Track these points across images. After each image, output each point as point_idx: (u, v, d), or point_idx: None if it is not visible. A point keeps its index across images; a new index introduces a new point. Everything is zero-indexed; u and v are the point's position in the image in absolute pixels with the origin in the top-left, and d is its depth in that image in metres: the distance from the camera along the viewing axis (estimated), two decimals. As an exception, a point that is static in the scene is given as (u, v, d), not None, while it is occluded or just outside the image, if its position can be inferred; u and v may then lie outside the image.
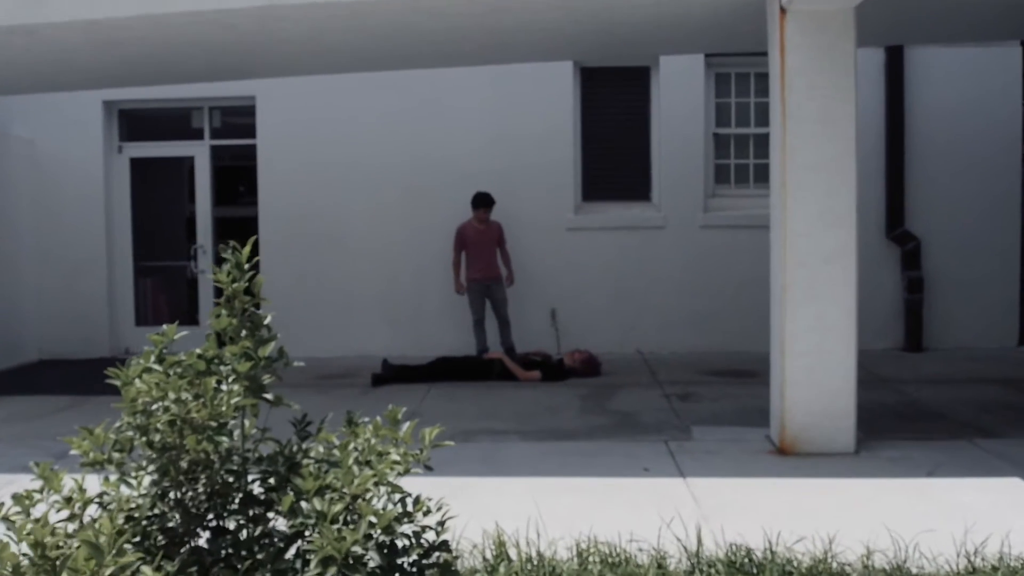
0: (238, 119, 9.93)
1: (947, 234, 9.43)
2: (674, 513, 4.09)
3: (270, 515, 2.52)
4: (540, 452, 5.54)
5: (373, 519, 2.30)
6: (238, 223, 10.48)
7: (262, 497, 2.54)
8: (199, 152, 9.88)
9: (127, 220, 9.96)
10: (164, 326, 2.64)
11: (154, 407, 2.43)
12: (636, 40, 7.24)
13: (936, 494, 4.53)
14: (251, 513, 2.52)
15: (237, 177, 11.20)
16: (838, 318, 5.47)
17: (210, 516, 2.48)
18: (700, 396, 7.18)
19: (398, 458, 2.43)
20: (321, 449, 2.64)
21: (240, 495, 2.51)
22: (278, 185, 9.60)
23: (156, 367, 2.51)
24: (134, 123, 10.07)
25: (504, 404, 6.99)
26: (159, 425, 2.40)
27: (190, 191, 10.13)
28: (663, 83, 9.48)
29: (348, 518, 2.32)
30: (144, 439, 2.42)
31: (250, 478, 2.55)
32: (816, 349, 5.48)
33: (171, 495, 2.45)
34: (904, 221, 9.46)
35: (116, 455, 2.45)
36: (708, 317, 9.45)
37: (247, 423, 2.59)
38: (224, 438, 2.41)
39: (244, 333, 2.65)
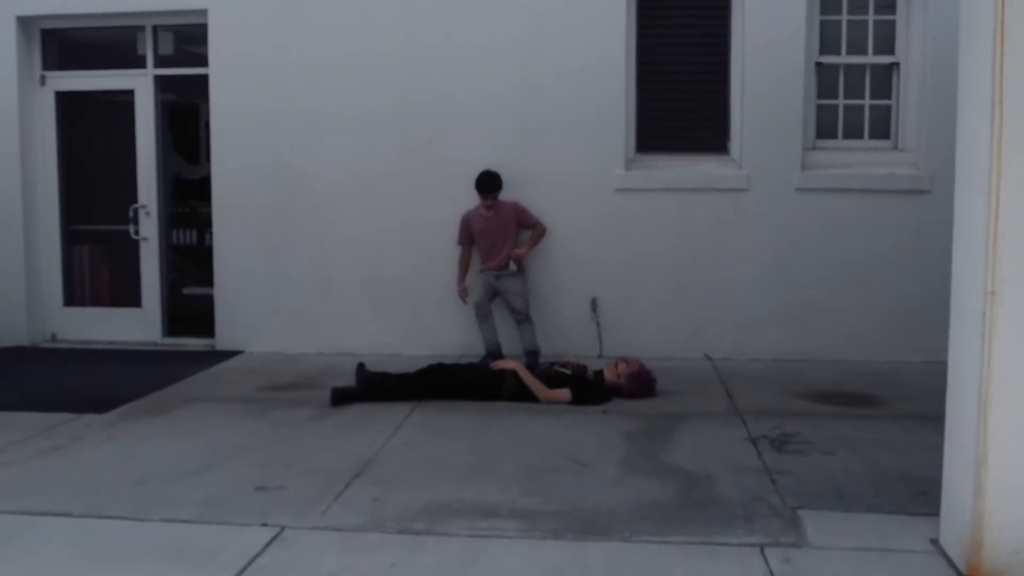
0: (191, 45, 7.69)
1: None
2: None
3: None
4: (548, 570, 3.22)
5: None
6: (199, 180, 8.30)
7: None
8: (140, 85, 7.67)
9: (52, 173, 7.83)
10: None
11: None
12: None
13: None
14: None
15: (194, 119, 8.99)
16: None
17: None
18: (804, 441, 4.79)
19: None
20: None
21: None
22: (235, 130, 7.36)
23: None
24: (61, 47, 7.90)
25: (509, 447, 4.69)
26: None
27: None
28: (749, -6, 7.00)
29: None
30: None
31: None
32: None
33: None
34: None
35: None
36: (804, 313, 7.00)
37: None
38: None
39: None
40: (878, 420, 5.24)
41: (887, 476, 4.21)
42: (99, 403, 5.56)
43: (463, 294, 6.96)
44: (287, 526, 3.56)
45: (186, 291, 10.17)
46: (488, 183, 6.74)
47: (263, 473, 4.24)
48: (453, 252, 7.15)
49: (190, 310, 8.12)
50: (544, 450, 4.63)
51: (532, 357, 6.56)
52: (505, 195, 6.87)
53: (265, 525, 3.57)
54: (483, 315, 6.80)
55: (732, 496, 3.93)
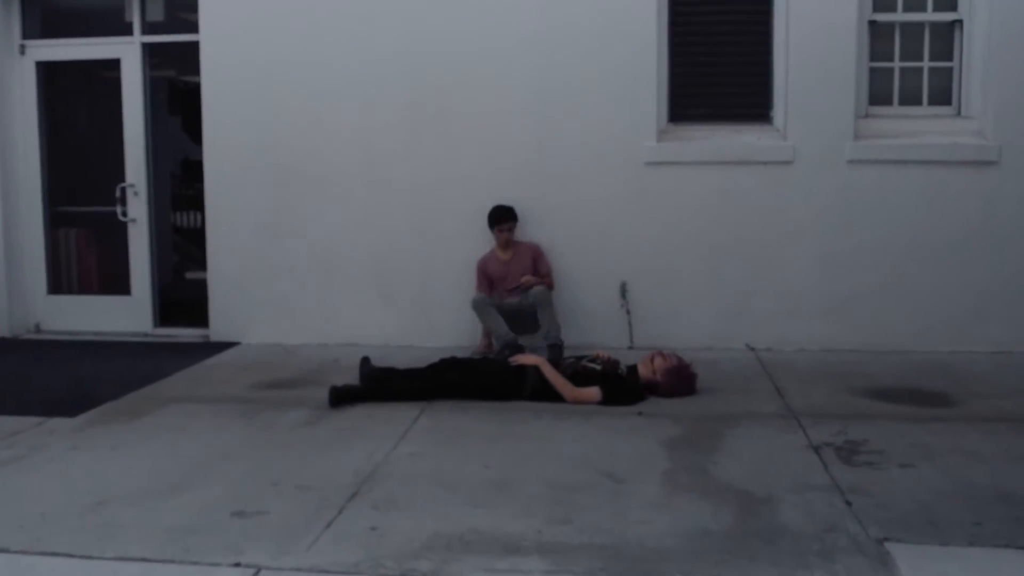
0: (182, 11, 7.05)
1: None
2: None
3: None
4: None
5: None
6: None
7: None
8: (127, 54, 7.03)
9: (34, 150, 7.22)
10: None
11: None
12: None
13: None
14: None
15: (187, 91, 8.35)
16: None
17: None
18: (874, 450, 4.12)
19: None
20: None
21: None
22: (228, 101, 6.71)
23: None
24: (42, 14, 7.27)
25: (533, 459, 4.04)
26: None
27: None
28: (796, -57, 6.26)
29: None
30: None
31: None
32: None
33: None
34: None
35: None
36: (857, 298, 6.30)
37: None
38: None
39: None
40: (954, 423, 4.55)
41: (982, 496, 3.53)
42: (71, 405, 4.96)
43: (483, 349, 6.28)
44: (263, 567, 2.93)
45: (190, 275, 9.63)
46: (502, 213, 6.23)
47: (244, 493, 3.62)
48: (467, 233, 6.50)
49: (193, 296, 7.48)
50: (573, 462, 3.98)
51: (555, 351, 5.90)
52: (524, 162, 6.24)
53: (237, 565, 2.94)
54: (482, 307, 6.13)
55: (802, 524, 3.27)
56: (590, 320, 6.45)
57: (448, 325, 6.49)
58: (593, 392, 4.94)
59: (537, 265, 6.28)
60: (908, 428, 4.45)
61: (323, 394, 5.01)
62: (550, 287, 6.21)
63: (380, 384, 5.15)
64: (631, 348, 6.43)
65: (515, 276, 6.20)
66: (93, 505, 3.49)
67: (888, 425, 4.50)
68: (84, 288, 7.44)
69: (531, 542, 3.12)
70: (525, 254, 6.28)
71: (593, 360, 5.18)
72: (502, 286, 6.28)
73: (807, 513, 3.37)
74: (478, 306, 6.11)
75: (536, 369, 5.05)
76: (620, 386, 5.00)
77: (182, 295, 7.81)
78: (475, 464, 3.97)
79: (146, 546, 3.09)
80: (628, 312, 6.48)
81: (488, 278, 6.34)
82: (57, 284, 7.38)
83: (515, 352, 5.61)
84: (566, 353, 5.82)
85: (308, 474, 3.84)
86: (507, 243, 6.28)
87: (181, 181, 9.83)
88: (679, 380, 5.08)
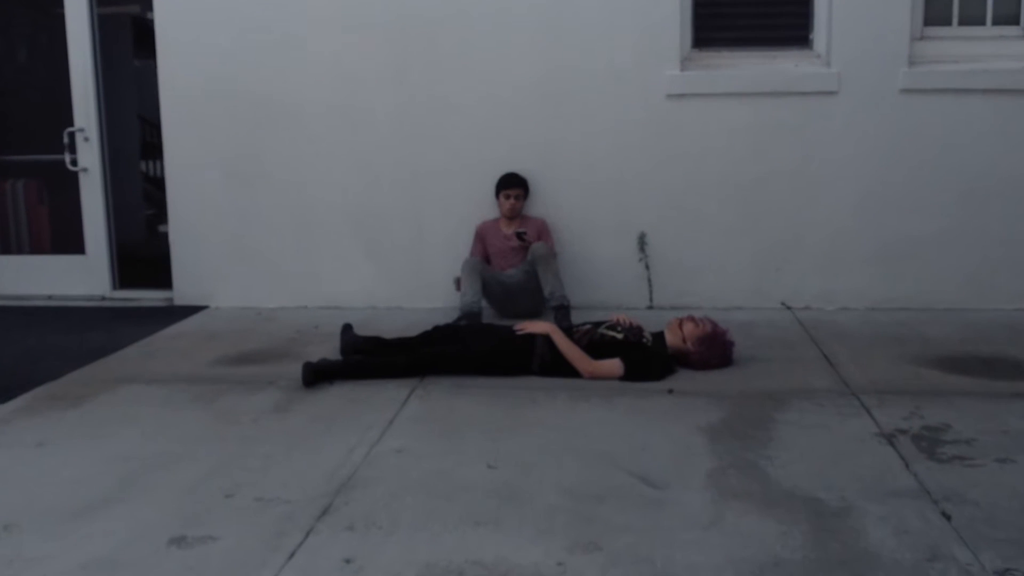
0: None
1: None
2: None
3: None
4: None
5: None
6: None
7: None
8: (70, -24, 6.15)
9: (-31, 89, 6.37)
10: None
11: None
12: None
13: None
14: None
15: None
16: None
17: None
18: (960, 439, 3.39)
19: None
20: None
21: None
22: (185, 25, 5.84)
23: None
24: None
25: (547, 454, 3.30)
26: None
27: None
28: None
29: None
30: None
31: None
32: None
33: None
34: None
35: None
36: (909, 249, 5.54)
37: None
38: None
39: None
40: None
41: (1113, 504, 2.82)
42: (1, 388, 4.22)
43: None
44: (197, 630, 2.22)
45: (164, 229, 8.87)
46: (509, 176, 5.50)
47: (190, 508, 2.89)
48: (464, 177, 5.71)
49: (167, 253, 6.69)
50: (596, 459, 3.25)
51: (561, 314, 5.12)
52: (527, 94, 5.44)
53: (162, 627, 2.23)
54: (470, 269, 5.30)
55: (894, 549, 2.54)
56: (603, 277, 5.69)
57: (443, 284, 5.71)
58: (614, 365, 4.20)
59: (541, 237, 5.49)
60: (992, 408, 3.72)
61: (297, 370, 4.26)
62: (551, 255, 5.41)
63: (363, 358, 4.41)
64: (650, 308, 5.69)
65: (516, 254, 5.44)
66: (-4, 529, 2.77)
67: (967, 404, 3.77)
68: (35, 247, 6.65)
69: (551, 580, 2.40)
70: (531, 231, 5.48)
71: (613, 327, 4.43)
72: (500, 260, 5.51)
73: (897, 532, 2.64)
74: (467, 267, 5.31)
75: (547, 338, 4.30)
76: (646, 358, 4.25)
77: (156, 252, 7.02)
78: (477, 463, 3.24)
79: (48, 595, 2.37)
80: (647, 267, 5.71)
81: (483, 248, 5.56)
82: (4, 243, 6.58)
83: (474, 319, 4.89)
84: (575, 318, 5.06)
85: (271, 480, 3.12)
86: (512, 212, 5.48)
87: (154, 127, 9.01)
88: (714, 349, 4.33)
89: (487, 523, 2.75)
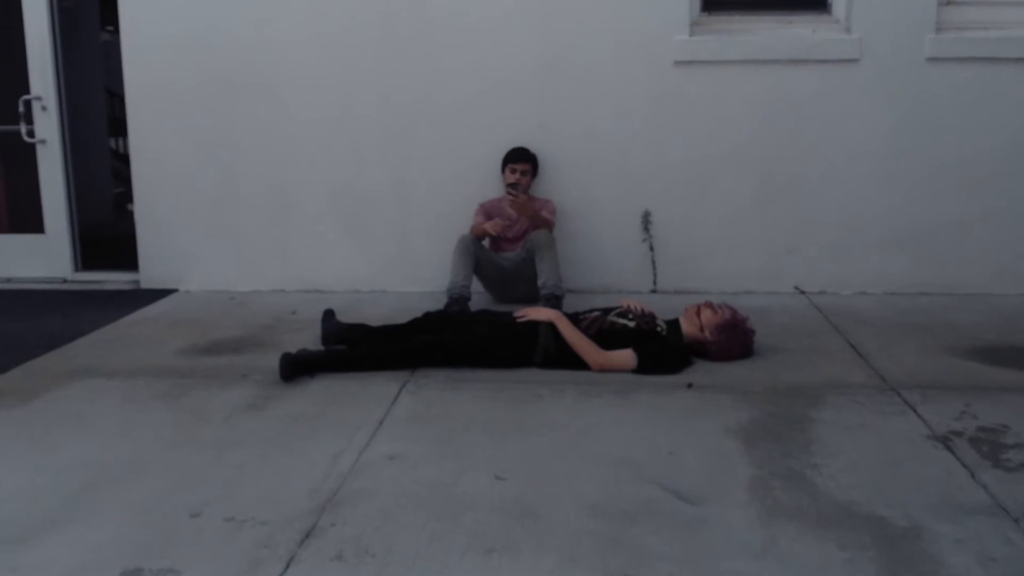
0: None
1: None
2: None
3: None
4: None
5: None
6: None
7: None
8: (21, -72, 5.61)
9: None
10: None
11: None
12: None
13: None
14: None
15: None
16: None
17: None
18: (1021, 439, 3.03)
19: None
20: None
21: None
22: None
23: None
24: None
25: (560, 461, 2.90)
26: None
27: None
28: None
29: None
30: None
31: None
32: None
33: None
34: None
35: None
36: (932, 229, 5.17)
37: None
38: None
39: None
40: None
41: None
42: (-62, 383, 3.76)
43: (500, 230, 4.95)
44: None
45: (131, 207, 8.38)
46: (515, 150, 5.06)
47: (147, 532, 2.46)
48: (456, 149, 5.27)
49: (133, 230, 6.20)
50: (618, 468, 2.85)
51: (551, 304, 4.61)
52: (524, 63, 5.01)
53: None
54: (464, 248, 4.84)
55: (982, 581, 2.17)
56: (604, 258, 5.29)
57: (431, 266, 5.27)
58: (626, 357, 3.79)
59: (543, 210, 5.05)
60: (1046, 405, 3.36)
61: (274, 361, 3.83)
62: (548, 224, 4.99)
63: (347, 348, 3.98)
64: (654, 292, 5.30)
65: (519, 237, 5.03)
66: (-86, 561, 2.32)
67: (1019, 402, 3.41)
68: (-8, 224, 6.15)
69: (583, 630, 2.00)
70: (536, 206, 5.04)
71: (623, 314, 4.02)
72: (500, 243, 5.08)
73: (981, 559, 2.27)
74: (460, 245, 4.87)
75: (551, 327, 3.88)
76: (661, 349, 3.85)
77: (124, 232, 6.53)
78: (481, 472, 2.83)
79: (-30, 650, 1.94)
80: (652, 248, 5.31)
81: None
82: (-43, 221, 6.08)
83: (462, 304, 4.50)
84: (575, 303, 4.62)
85: (244, 495, 2.68)
86: (519, 185, 5.00)
87: (122, 100, 8.49)
88: (734, 339, 3.94)
89: (501, 550, 2.34)
